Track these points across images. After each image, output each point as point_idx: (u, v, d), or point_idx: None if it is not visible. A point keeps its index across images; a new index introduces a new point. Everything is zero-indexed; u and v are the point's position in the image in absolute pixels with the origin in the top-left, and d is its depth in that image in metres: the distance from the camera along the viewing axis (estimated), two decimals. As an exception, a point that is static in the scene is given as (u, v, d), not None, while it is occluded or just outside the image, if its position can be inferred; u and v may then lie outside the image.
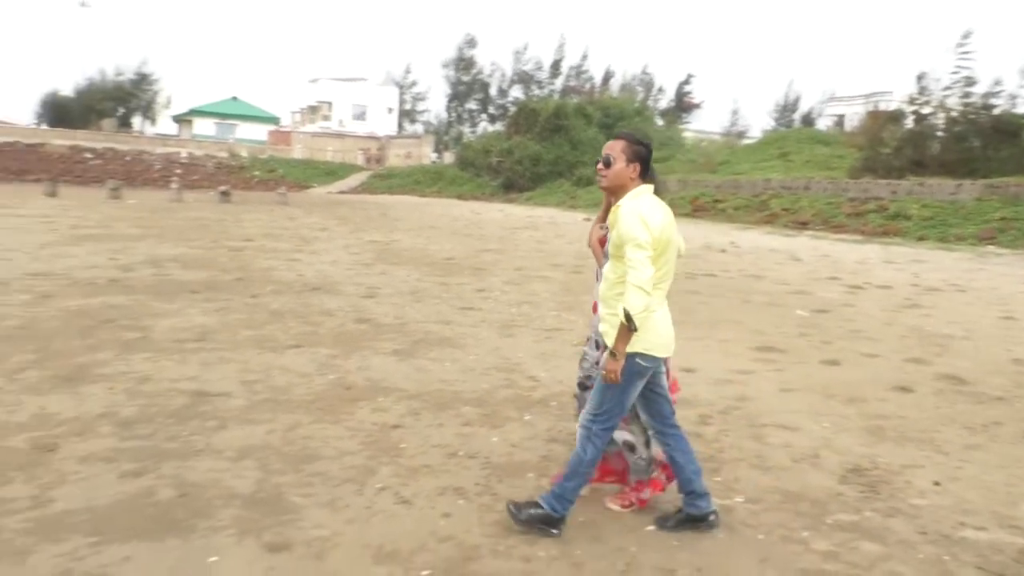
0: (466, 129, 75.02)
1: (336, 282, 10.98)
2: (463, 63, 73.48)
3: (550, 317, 8.88)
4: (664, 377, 3.58)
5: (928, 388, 6.22)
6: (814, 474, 4.25)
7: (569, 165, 42.82)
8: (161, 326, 7.34)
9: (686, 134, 55.10)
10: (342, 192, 49.77)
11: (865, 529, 3.56)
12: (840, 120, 53.94)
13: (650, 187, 3.37)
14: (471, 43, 74.45)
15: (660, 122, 56.20)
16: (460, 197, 44.60)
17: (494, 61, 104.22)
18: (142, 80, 67.95)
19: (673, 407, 3.63)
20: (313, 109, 69.93)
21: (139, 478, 3.80)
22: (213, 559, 3.06)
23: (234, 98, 73.68)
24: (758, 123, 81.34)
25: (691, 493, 3.47)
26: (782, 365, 6.85)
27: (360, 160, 61.34)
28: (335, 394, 5.44)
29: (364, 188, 51.47)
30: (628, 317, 3.09)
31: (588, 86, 70.56)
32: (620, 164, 3.32)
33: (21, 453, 4.04)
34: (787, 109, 72.09)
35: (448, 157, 61.44)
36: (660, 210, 3.30)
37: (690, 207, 29.90)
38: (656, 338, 3.31)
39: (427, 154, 63.08)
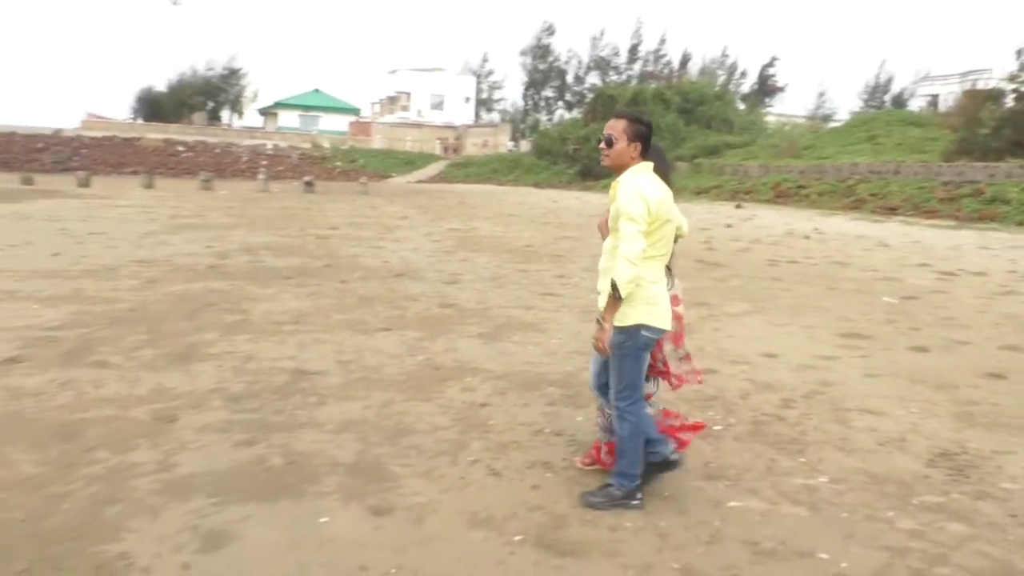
0: (543, 117, 75.06)
1: (419, 268, 11.29)
2: (541, 51, 73.41)
3: (630, 303, 8.94)
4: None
5: (1023, 375, 6.06)
6: (900, 457, 4.25)
7: (647, 152, 42.49)
8: (259, 309, 7.75)
9: (768, 118, 53.76)
10: (420, 181, 50.57)
11: (952, 510, 3.57)
12: (934, 100, 51.71)
13: (650, 165, 3.48)
14: (549, 30, 74.39)
15: (741, 106, 54.96)
16: (536, 185, 44.73)
17: (571, 48, 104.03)
18: (231, 75, 70.44)
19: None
20: (392, 100, 71.11)
21: (251, 447, 4.11)
22: (323, 520, 3.31)
23: (316, 90, 75.63)
24: (846, 105, 78.56)
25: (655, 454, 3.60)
26: (868, 351, 6.77)
27: (438, 149, 62.13)
28: (425, 374, 5.68)
29: (441, 177, 52.17)
30: (614, 287, 3.24)
31: (666, 71, 69.53)
32: (622, 143, 3.42)
33: (144, 423, 4.40)
34: (877, 90, 69.58)
35: (524, 145, 61.61)
36: (658, 187, 3.40)
37: (772, 193, 29.27)
38: (660, 310, 3.43)
39: (503, 142, 63.40)
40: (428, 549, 3.09)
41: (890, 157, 29.65)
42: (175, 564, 2.90)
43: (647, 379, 3.71)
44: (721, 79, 65.36)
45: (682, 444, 3.84)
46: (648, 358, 3.57)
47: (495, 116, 78.21)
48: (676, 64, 71.73)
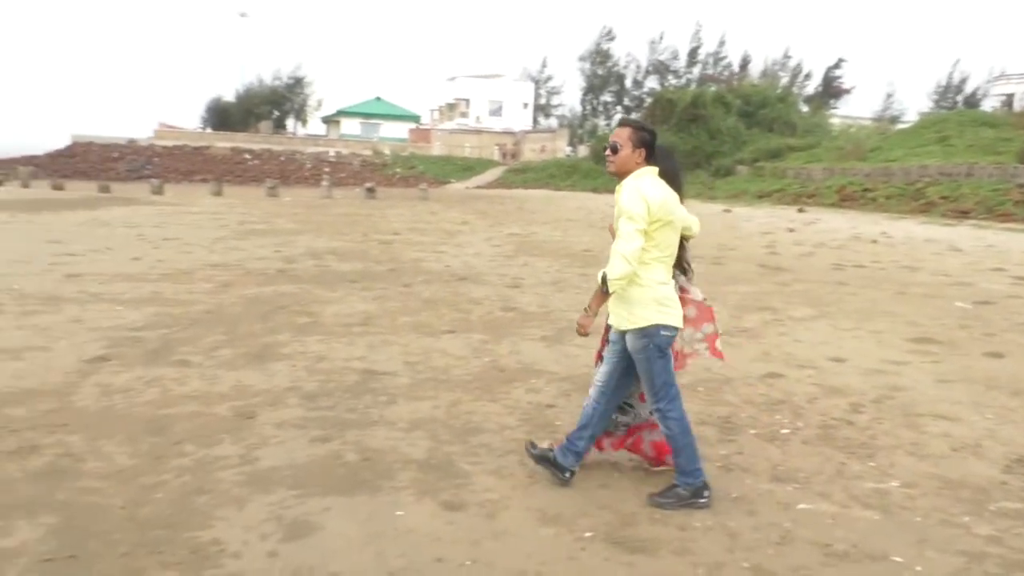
0: (601, 122, 74.76)
1: (481, 272, 11.44)
2: (600, 56, 73.24)
3: (693, 307, 8.91)
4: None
5: (1105, 383, 5.87)
6: (975, 463, 4.18)
7: (706, 155, 41.88)
8: (328, 312, 7.97)
9: (832, 120, 52.59)
10: (478, 187, 50.91)
11: (1031, 518, 3.51)
12: (1009, 100, 49.85)
13: (654, 169, 3.57)
14: (609, 35, 74.09)
15: (805, 108, 53.88)
16: (595, 190, 44.57)
17: (630, 52, 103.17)
18: (295, 84, 72.06)
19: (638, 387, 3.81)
20: (451, 106, 71.77)
21: (327, 443, 4.27)
22: (399, 513, 3.43)
23: (378, 98, 76.85)
24: (915, 106, 76.25)
25: (574, 444, 3.74)
26: (940, 357, 6.63)
27: (496, 155, 62.44)
28: (490, 375, 5.79)
29: (500, 183, 52.42)
30: (604, 280, 3.37)
31: (725, 73, 68.61)
32: (627, 150, 3.54)
33: (226, 419, 4.61)
34: (949, 90, 67.40)
35: (583, 150, 61.43)
36: (661, 189, 3.48)
37: (836, 196, 28.64)
38: (672, 310, 3.53)
39: (562, 148, 63.36)
40: (501, 543, 3.19)
41: (962, 159, 28.72)
42: (262, 551, 3.05)
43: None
44: (784, 81, 64.16)
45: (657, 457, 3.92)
46: (672, 356, 3.64)
47: (553, 121, 78.21)
48: (736, 66, 70.73)
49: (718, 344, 3.99)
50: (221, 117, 68.16)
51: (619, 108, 74.42)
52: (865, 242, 16.85)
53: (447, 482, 3.79)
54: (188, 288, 9.05)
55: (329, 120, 75.79)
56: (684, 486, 3.57)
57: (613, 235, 3.76)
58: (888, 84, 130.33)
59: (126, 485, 3.61)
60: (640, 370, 3.58)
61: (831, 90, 64.99)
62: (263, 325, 7.22)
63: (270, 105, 70.43)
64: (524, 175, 53.30)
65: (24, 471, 3.72)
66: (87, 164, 48.02)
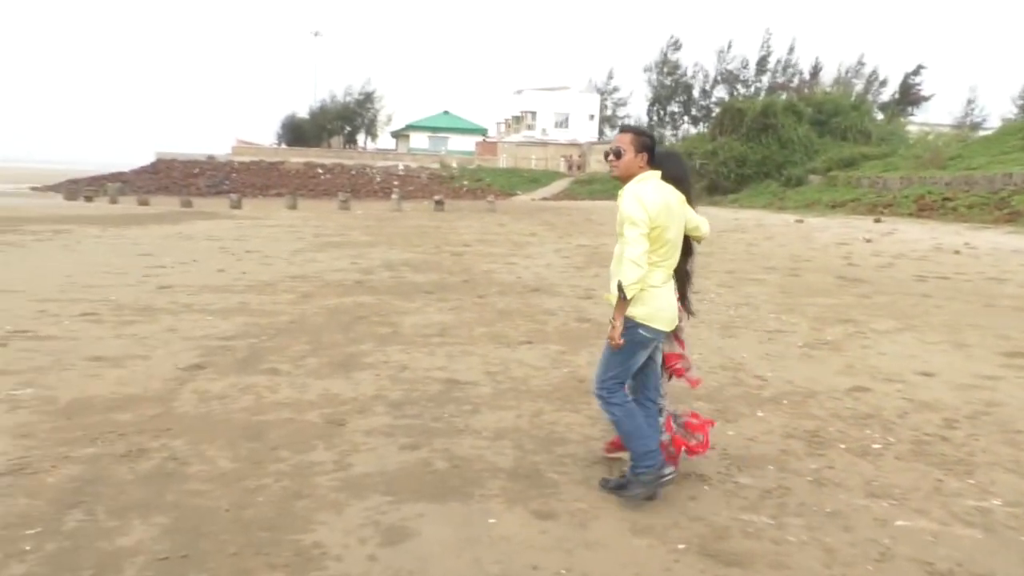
0: (668, 132, 74.12)
1: (553, 284, 11.48)
2: (666, 66, 72.71)
3: (770, 319, 8.78)
4: (659, 352, 3.92)
5: None
6: (1083, 483, 4.02)
7: (777, 165, 41.07)
8: (406, 322, 8.13)
9: (909, 127, 50.98)
10: (545, 199, 51.04)
11: None
12: (1099, 103, 47.55)
13: (657, 173, 3.67)
14: (676, 45, 73.52)
15: (880, 116, 52.36)
16: (662, 201, 44.27)
17: (697, 62, 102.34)
18: (366, 99, 73.63)
19: (661, 384, 4.00)
20: (518, 119, 72.24)
21: (416, 451, 4.36)
22: (492, 521, 3.49)
23: (446, 112, 77.98)
24: (997, 112, 72.99)
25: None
26: (1037, 372, 6.38)
27: (562, 167, 62.53)
28: (570, 386, 5.82)
29: (566, 194, 52.46)
30: (620, 288, 3.48)
31: (796, 81, 67.22)
32: (630, 155, 3.66)
33: (318, 426, 4.75)
34: (1035, 96, 64.57)
35: (649, 161, 60.93)
36: (661, 193, 3.57)
37: (914, 206, 27.73)
38: (657, 311, 3.61)
39: (628, 159, 63.03)
40: (595, 553, 3.21)
41: (1050, 165, 27.49)
42: (362, 555, 3.15)
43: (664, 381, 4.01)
44: (858, 88, 62.51)
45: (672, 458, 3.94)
46: (642, 356, 3.73)
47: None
48: (807, 74, 69.23)
49: (690, 374, 4.17)
50: (295, 133, 70.14)
51: (686, 118, 73.75)
52: (947, 253, 16.29)
53: (536, 491, 3.84)
54: (272, 299, 9.34)
55: (398, 134, 77.18)
56: (644, 471, 3.66)
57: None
58: (969, 90, 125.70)
59: (229, 488, 3.77)
60: (604, 353, 3.75)
61: (909, 97, 62.95)
62: (345, 335, 7.40)
63: (342, 121, 72.14)
64: (590, 186, 53.21)
65: (135, 473, 3.91)
66: (170, 180, 49.98)
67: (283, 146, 66.55)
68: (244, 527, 3.35)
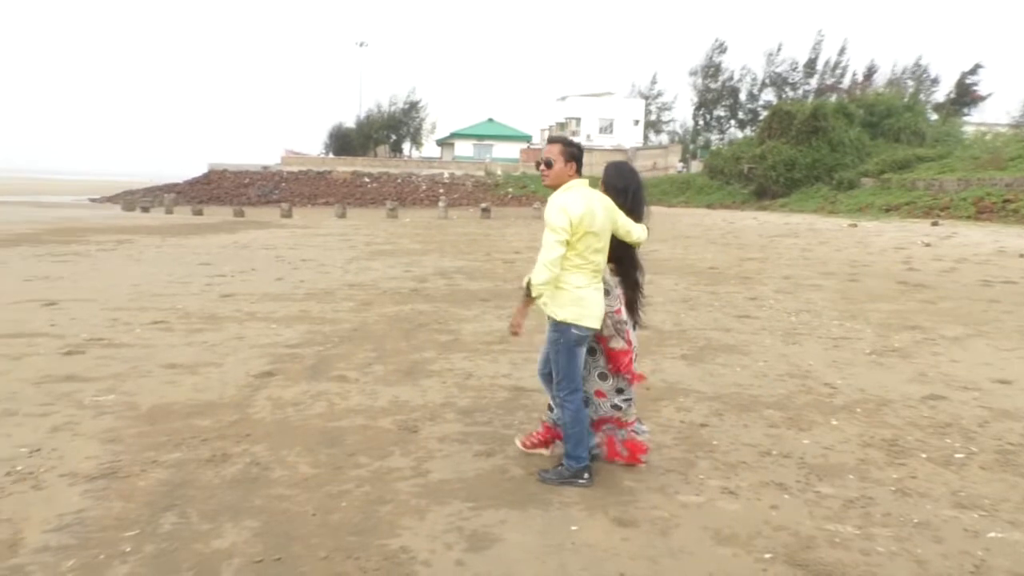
0: (714, 136, 73.43)
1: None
2: (712, 69, 72.05)
3: (833, 326, 8.64)
4: (588, 349, 4.07)
5: None
6: None
7: (827, 168, 40.34)
8: (466, 330, 8.19)
9: (965, 128, 49.66)
10: (591, 205, 50.90)
11: None
12: None
13: (585, 181, 3.94)
14: (721, 48, 72.85)
15: (934, 116, 51.10)
16: (709, 206, 43.84)
17: (744, 65, 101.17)
18: (411, 108, 74.33)
19: (629, 389, 4.22)
20: (562, 126, 72.22)
21: (490, 457, 4.40)
22: (574, 528, 3.50)
23: (490, 120, 78.38)
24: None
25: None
26: (1120, 379, 6.17)
27: (607, 173, 62.26)
28: (637, 393, 5.79)
29: (612, 200, 52.25)
30: (528, 286, 3.79)
31: (847, 83, 66.00)
32: (559, 164, 3.93)
33: (392, 432, 4.81)
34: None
35: (695, 166, 60.45)
36: (585, 201, 3.80)
37: (973, 209, 27.03)
38: (586, 311, 3.85)
39: (673, 164, 62.58)
40: (679, 562, 3.20)
41: (1118, 165, 26.57)
42: (449, 560, 3.19)
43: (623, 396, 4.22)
44: (911, 89, 61.06)
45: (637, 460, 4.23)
46: (582, 354, 3.97)
47: (664, 138, 77.50)
48: (860, 76, 67.87)
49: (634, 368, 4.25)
50: (342, 142, 71.12)
51: (733, 122, 72.93)
52: (1012, 256, 15.86)
53: (614, 498, 3.84)
54: (332, 307, 9.48)
55: (443, 142, 77.78)
56: (568, 467, 4.01)
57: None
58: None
59: (313, 493, 3.84)
60: (551, 359, 4.01)
61: (966, 97, 61.29)
62: (408, 343, 7.48)
63: (387, 130, 72.92)
64: (636, 192, 52.89)
65: (221, 478, 4.02)
66: (221, 190, 51.09)
67: (330, 155, 67.49)
68: (332, 531, 3.42)
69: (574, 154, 3.95)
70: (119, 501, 3.69)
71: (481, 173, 59.70)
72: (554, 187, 3.96)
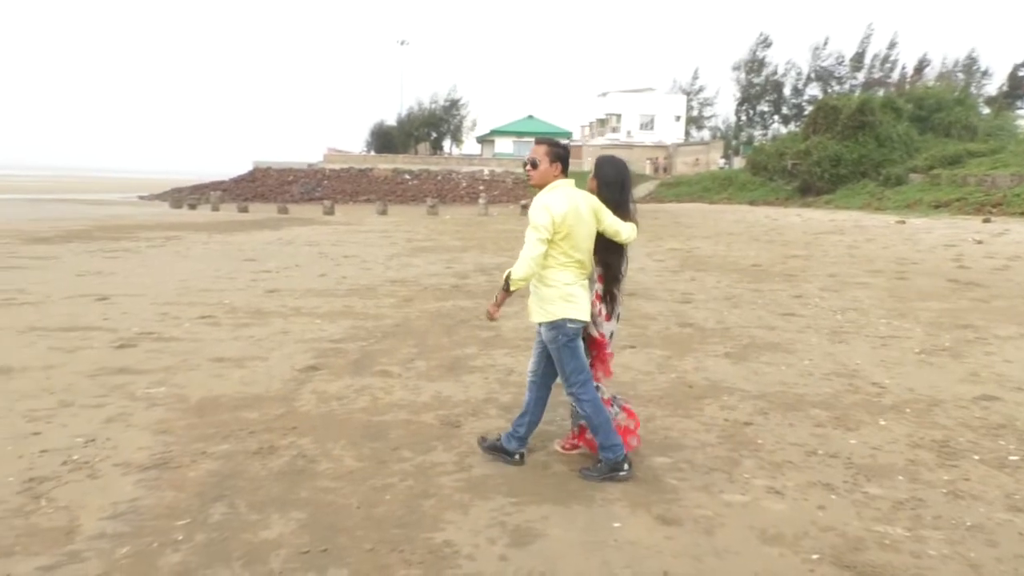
0: (757, 132, 72.43)
1: (649, 288, 11.38)
2: (755, 64, 71.06)
3: (881, 324, 8.47)
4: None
5: None
6: None
7: (874, 164, 39.48)
8: (508, 326, 8.20)
9: (1019, 122, 48.25)
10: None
11: None
12: None
13: (570, 181, 4.03)
14: (766, 43, 71.78)
15: (986, 110, 49.73)
16: (751, 203, 43.27)
17: (789, 59, 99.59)
18: (451, 106, 74.67)
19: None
20: (602, 122, 71.91)
21: (532, 453, 4.40)
22: (616, 525, 3.49)
23: (530, 117, 78.29)
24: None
25: (516, 431, 4.22)
26: None
27: (647, 169, 61.88)
28: (680, 391, 5.77)
29: (652, 197, 51.92)
30: (507, 279, 3.88)
31: (896, 77, 64.58)
32: (544, 164, 4.02)
33: (434, 427, 4.85)
34: None
35: (737, 162, 59.69)
36: (569, 200, 3.90)
37: (1030, 204, 26.24)
38: (580, 306, 3.97)
39: (715, 160, 61.89)
40: (725, 561, 3.17)
41: None
42: (493, 555, 3.20)
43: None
44: (962, 82, 59.51)
45: (628, 446, 4.20)
46: (582, 346, 4.06)
47: (706, 133, 76.66)
48: (910, 70, 66.33)
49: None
50: (383, 140, 71.72)
51: (776, 117, 71.86)
52: (1070, 254, 15.37)
53: (657, 496, 3.82)
54: (375, 303, 9.58)
55: (483, 139, 77.92)
56: (606, 459, 4.02)
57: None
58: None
59: (358, 486, 3.89)
60: (555, 360, 4.06)
61: (1020, 90, 59.50)
62: (450, 339, 7.53)
63: (428, 127, 73.35)
64: (676, 189, 52.53)
65: (268, 470, 4.09)
66: (266, 187, 51.86)
67: (372, 153, 68.08)
68: (376, 524, 3.46)
69: (559, 155, 4.03)
70: (171, 491, 3.78)
71: (521, 170, 59.71)
72: (540, 186, 4.05)
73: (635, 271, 13.47)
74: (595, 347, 4.25)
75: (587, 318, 4.03)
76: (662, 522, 3.53)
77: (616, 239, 4.13)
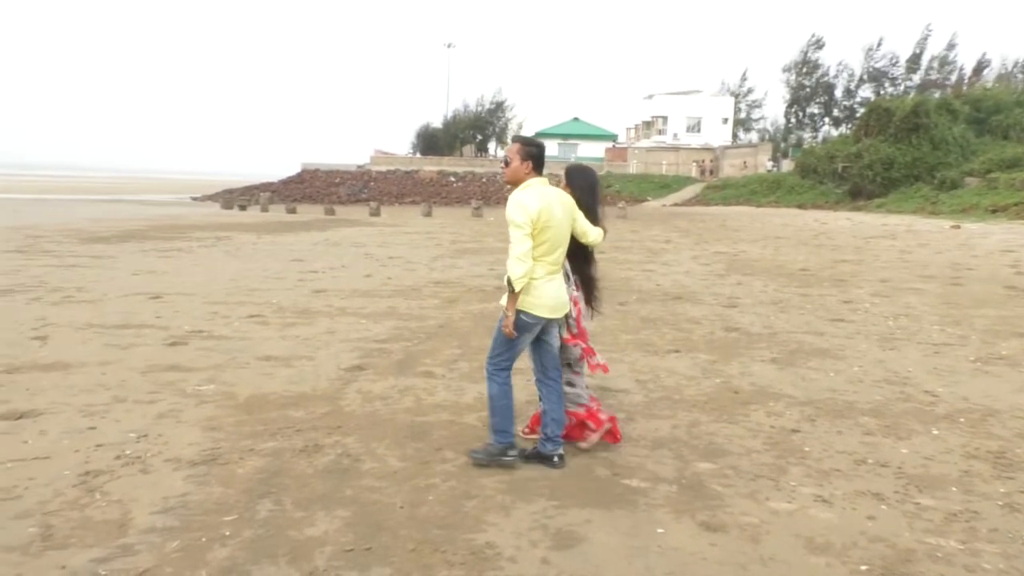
0: (806, 135, 71.22)
1: (694, 291, 11.27)
2: (806, 66, 69.90)
3: (935, 331, 8.26)
4: (554, 335, 4.32)
5: None
6: None
7: (928, 167, 38.53)
8: (551, 329, 8.18)
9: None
10: (676, 204, 50.21)
11: None
12: None
13: (544, 179, 4.14)
14: (818, 44, 70.58)
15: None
16: (800, 206, 42.54)
17: (841, 60, 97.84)
18: (497, 108, 74.98)
19: (558, 363, 4.39)
20: (648, 124, 71.46)
21: (575, 457, 4.39)
22: (660, 531, 3.46)
23: (576, 119, 78.24)
24: None
25: (544, 436, 4.26)
26: None
27: (694, 172, 61.30)
28: (725, 397, 5.69)
29: (698, 200, 51.42)
30: (509, 282, 3.97)
31: (953, 78, 62.94)
32: (516, 162, 4.13)
33: (477, 429, 4.86)
34: None
35: (786, 165, 58.75)
36: (542, 197, 4.01)
37: (1094, 208, 25.35)
38: (537, 300, 4.05)
39: (763, 163, 60.99)
40: (770, 570, 3.12)
41: None
42: (535, 557, 3.20)
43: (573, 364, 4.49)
44: (1022, 83, 57.74)
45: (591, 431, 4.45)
46: (527, 339, 4.18)
47: (754, 136, 75.68)
48: (968, 71, 64.60)
49: (595, 360, 4.58)
50: (429, 142, 72.30)
51: (827, 119, 70.59)
52: None
53: (701, 503, 3.77)
54: (419, 304, 9.65)
55: (528, 142, 77.95)
56: (496, 442, 4.19)
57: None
58: None
59: (401, 486, 3.92)
60: (494, 332, 4.23)
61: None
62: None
63: (473, 129, 73.73)
64: (723, 192, 51.92)
65: (314, 468, 4.14)
66: (313, 189, 52.63)
67: (417, 155, 68.64)
68: (419, 524, 3.48)
69: (531, 153, 4.14)
70: (219, 487, 3.85)
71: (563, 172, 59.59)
72: (512, 184, 4.18)
73: (680, 275, 13.37)
74: (574, 343, 4.43)
75: (547, 315, 4.12)
76: (706, 529, 3.49)
77: (583, 240, 4.33)
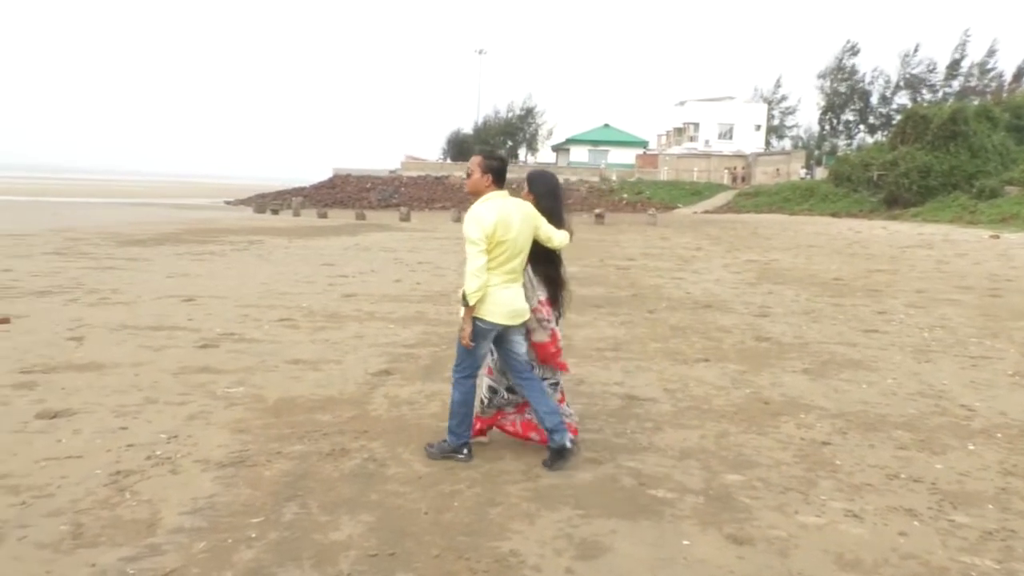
0: (841, 142, 70.34)
1: (724, 300, 11.17)
2: (841, 72, 69.08)
3: (971, 344, 8.09)
4: (518, 343, 4.36)
5: None
6: None
7: (967, 176, 37.81)
8: (579, 336, 8.16)
9: None
10: (707, 212, 49.84)
11: None
12: None
13: (503, 192, 4.23)
14: (853, 50, 69.75)
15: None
16: (834, 214, 41.96)
17: (876, 67, 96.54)
18: (527, 114, 75.08)
19: (531, 362, 4.44)
20: (679, 131, 71.06)
21: (601, 465, 4.36)
22: (686, 542, 3.42)
23: (606, 125, 78.07)
24: None
25: (548, 433, 4.30)
26: None
27: (725, 179, 60.84)
28: (755, 407, 5.62)
29: (729, 207, 50.98)
30: (464, 296, 4.07)
31: (993, 85, 61.79)
32: (477, 175, 4.24)
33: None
34: None
35: (819, 173, 58.05)
36: (498, 210, 4.09)
37: None
38: (493, 307, 4.13)
39: (796, 170, 60.32)
40: (799, 584, 3.07)
41: None
42: (559, 567, 3.17)
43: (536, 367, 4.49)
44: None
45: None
46: (485, 346, 4.28)
47: (787, 143, 74.91)
48: (1009, 78, 63.37)
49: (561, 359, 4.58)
50: (459, 148, 72.55)
51: (862, 127, 69.66)
52: None
53: (728, 515, 3.73)
54: (447, 309, 9.67)
55: (558, 148, 78.03)
56: (450, 441, 4.35)
57: None
58: None
59: (426, 492, 3.92)
60: (456, 344, 4.30)
61: None
62: (521, 347, 7.52)
63: (504, 136, 73.89)
64: (755, 199, 51.43)
65: (340, 472, 4.16)
66: (344, 194, 53.11)
67: (448, 161, 68.92)
68: (444, 530, 3.48)
69: (492, 166, 4.23)
70: (246, 489, 3.88)
71: (596, 179, 59.53)
72: (473, 195, 4.28)
73: (711, 283, 13.26)
74: (538, 350, 4.46)
75: (502, 321, 4.18)
76: (734, 541, 3.44)
77: (548, 244, 4.41)
